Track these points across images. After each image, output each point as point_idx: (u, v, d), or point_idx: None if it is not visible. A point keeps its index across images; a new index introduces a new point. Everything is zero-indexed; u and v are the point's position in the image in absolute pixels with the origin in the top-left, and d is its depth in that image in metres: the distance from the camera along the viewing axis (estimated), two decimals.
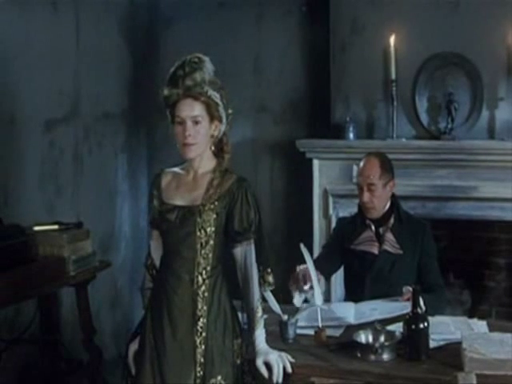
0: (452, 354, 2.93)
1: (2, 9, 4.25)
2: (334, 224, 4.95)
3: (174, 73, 2.80)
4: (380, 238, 3.79)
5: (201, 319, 2.80)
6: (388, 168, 3.80)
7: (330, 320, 3.33)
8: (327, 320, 3.30)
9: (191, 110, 2.79)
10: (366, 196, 3.74)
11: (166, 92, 2.79)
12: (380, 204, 3.78)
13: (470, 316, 3.67)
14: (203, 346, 2.78)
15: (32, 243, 3.95)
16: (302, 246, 3.30)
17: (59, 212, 4.69)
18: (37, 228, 4.09)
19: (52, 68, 4.68)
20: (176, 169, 2.96)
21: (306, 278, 3.37)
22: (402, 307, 3.30)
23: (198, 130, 2.80)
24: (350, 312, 3.44)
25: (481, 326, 3.30)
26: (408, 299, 3.28)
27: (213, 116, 2.83)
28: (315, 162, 5.12)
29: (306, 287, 3.34)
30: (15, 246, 3.78)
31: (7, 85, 4.34)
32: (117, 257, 5.44)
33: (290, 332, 3.16)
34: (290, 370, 2.87)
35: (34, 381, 4.43)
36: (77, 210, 4.94)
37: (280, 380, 2.84)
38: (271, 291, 3.01)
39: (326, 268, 3.74)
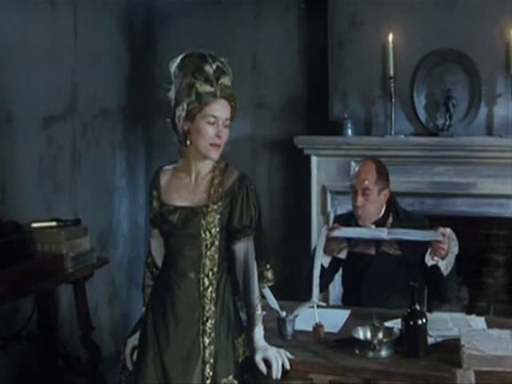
0: (450, 350, 2.93)
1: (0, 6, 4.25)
2: (331, 221, 4.96)
3: (200, 67, 2.73)
4: (377, 239, 3.74)
5: (209, 320, 2.79)
6: (384, 174, 3.76)
7: (363, 234, 3.59)
8: (360, 233, 3.61)
9: (226, 111, 2.79)
10: (360, 200, 3.68)
11: (200, 88, 2.73)
12: (372, 213, 3.73)
13: (468, 312, 3.66)
14: (212, 347, 2.77)
15: (30, 240, 3.95)
16: (324, 228, 3.47)
17: (57, 209, 4.69)
18: (35, 225, 4.09)
19: (50, 65, 4.68)
20: (174, 166, 2.94)
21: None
22: (435, 235, 3.48)
23: (225, 133, 2.80)
24: (382, 231, 3.58)
25: (479, 322, 3.30)
26: (443, 234, 3.45)
27: (231, 120, 2.84)
28: (313, 159, 5.12)
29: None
30: (13, 242, 3.78)
31: (5, 82, 4.33)
32: (115, 253, 5.44)
33: (289, 329, 3.16)
34: (288, 366, 2.87)
35: (32, 378, 4.43)
36: (75, 206, 4.94)
37: (279, 376, 2.84)
38: (270, 288, 3.01)
39: (326, 276, 3.72)
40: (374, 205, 3.71)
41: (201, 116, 2.75)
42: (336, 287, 4.54)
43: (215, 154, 2.81)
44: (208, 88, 2.73)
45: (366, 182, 3.68)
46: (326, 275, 3.70)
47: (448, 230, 3.50)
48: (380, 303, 3.57)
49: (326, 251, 3.64)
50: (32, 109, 4.54)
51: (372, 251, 3.75)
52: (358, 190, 3.69)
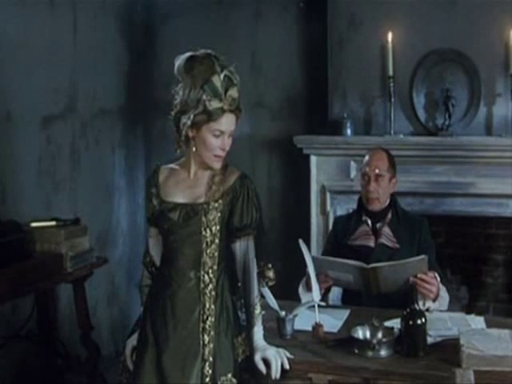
0: (449, 350, 2.92)
1: None
2: (331, 220, 4.96)
3: (208, 79, 2.71)
4: (376, 233, 3.81)
5: (209, 318, 2.79)
6: (393, 163, 3.87)
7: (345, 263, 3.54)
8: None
9: (232, 125, 2.79)
10: (373, 186, 3.76)
11: (209, 104, 2.71)
12: (384, 197, 3.81)
13: (468, 312, 3.66)
14: (211, 345, 2.78)
15: (29, 239, 3.95)
16: (300, 241, 3.30)
17: (56, 208, 4.69)
18: (34, 224, 4.08)
19: (49, 64, 4.68)
20: (172, 165, 2.94)
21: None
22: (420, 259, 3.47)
23: (229, 143, 2.82)
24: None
25: (478, 322, 3.30)
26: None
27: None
28: (313, 159, 5.12)
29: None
30: (12, 242, 3.77)
31: (4, 81, 4.33)
32: (114, 253, 5.44)
33: (288, 328, 3.16)
34: (287, 366, 2.87)
35: (32, 377, 4.43)
36: (74, 206, 4.94)
37: (278, 376, 2.84)
38: (269, 287, 3.01)
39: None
40: (385, 191, 3.81)
41: (207, 128, 2.75)
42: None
43: (218, 165, 2.82)
44: (216, 103, 2.72)
45: (379, 169, 3.78)
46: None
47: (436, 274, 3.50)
48: (379, 297, 3.58)
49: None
50: (31, 108, 4.54)
51: (371, 243, 3.78)
52: (371, 176, 3.78)
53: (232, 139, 2.83)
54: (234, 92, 2.75)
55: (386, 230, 3.79)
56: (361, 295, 3.67)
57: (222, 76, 2.72)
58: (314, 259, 3.36)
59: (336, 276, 3.59)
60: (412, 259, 3.48)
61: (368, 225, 3.82)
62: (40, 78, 4.59)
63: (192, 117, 2.73)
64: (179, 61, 2.78)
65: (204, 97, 2.71)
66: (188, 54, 2.78)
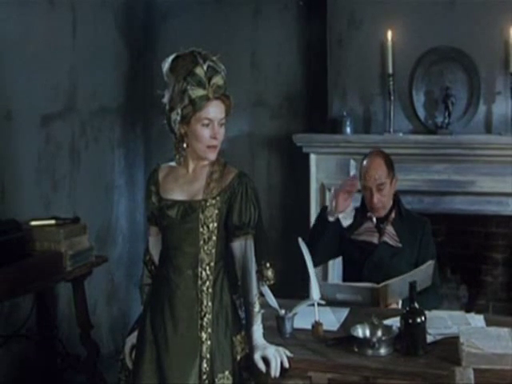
0: (449, 348, 2.92)
1: None
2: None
3: (191, 70, 2.73)
4: (380, 230, 3.81)
5: (206, 315, 2.79)
6: (392, 165, 3.83)
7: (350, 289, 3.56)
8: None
9: (220, 112, 2.80)
10: (377, 198, 3.74)
11: (193, 93, 2.73)
12: (388, 201, 3.80)
13: (467, 311, 3.66)
14: (209, 342, 2.78)
15: (29, 238, 3.95)
16: (300, 240, 3.30)
17: (56, 207, 4.68)
18: (33, 223, 4.08)
19: (49, 63, 4.67)
20: (172, 163, 2.95)
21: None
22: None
23: (221, 133, 2.81)
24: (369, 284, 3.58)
25: (478, 320, 3.29)
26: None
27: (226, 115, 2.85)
28: (312, 157, 5.12)
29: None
30: (12, 241, 3.77)
31: (4, 80, 4.33)
32: (113, 252, 5.44)
33: (287, 327, 3.15)
34: (287, 364, 2.87)
35: (31, 376, 4.43)
36: (73, 204, 4.93)
37: (278, 374, 2.84)
38: (269, 286, 3.01)
39: (326, 250, 3.81)
40: (388, 197, 3.80)
41: (195, 119, 2.76)
42: (335, 278, 4.55)
43: (212, 155, 2.82)
44: (200, 92, 2.73)
45: (380, 178, 3.75)
46: (327, 248, 3.80)
47: None
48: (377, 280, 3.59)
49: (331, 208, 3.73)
50: (31, 107, 4.53)
51: (375, 240, 3.80)
52: (373, 187, 3.74)
53: (224, 129, 2.82)
54: (218, 79, 2.76)
55: (390, 228, 3.80)
56: (361, 270, 3.72)
57: (204, 66, 2.74)
58: (321, 285, 3.33)
59: (343, 298, 3.57)
60: (421, 268, 3.53)
61: (372, 221, 3.83)
62: (39, 77, 4.58)
63: (179, 111, 2.75)
64: (165, 64, 2.81)
65: (188, 87, 2.73)
66: (172, 56, 2.81)
